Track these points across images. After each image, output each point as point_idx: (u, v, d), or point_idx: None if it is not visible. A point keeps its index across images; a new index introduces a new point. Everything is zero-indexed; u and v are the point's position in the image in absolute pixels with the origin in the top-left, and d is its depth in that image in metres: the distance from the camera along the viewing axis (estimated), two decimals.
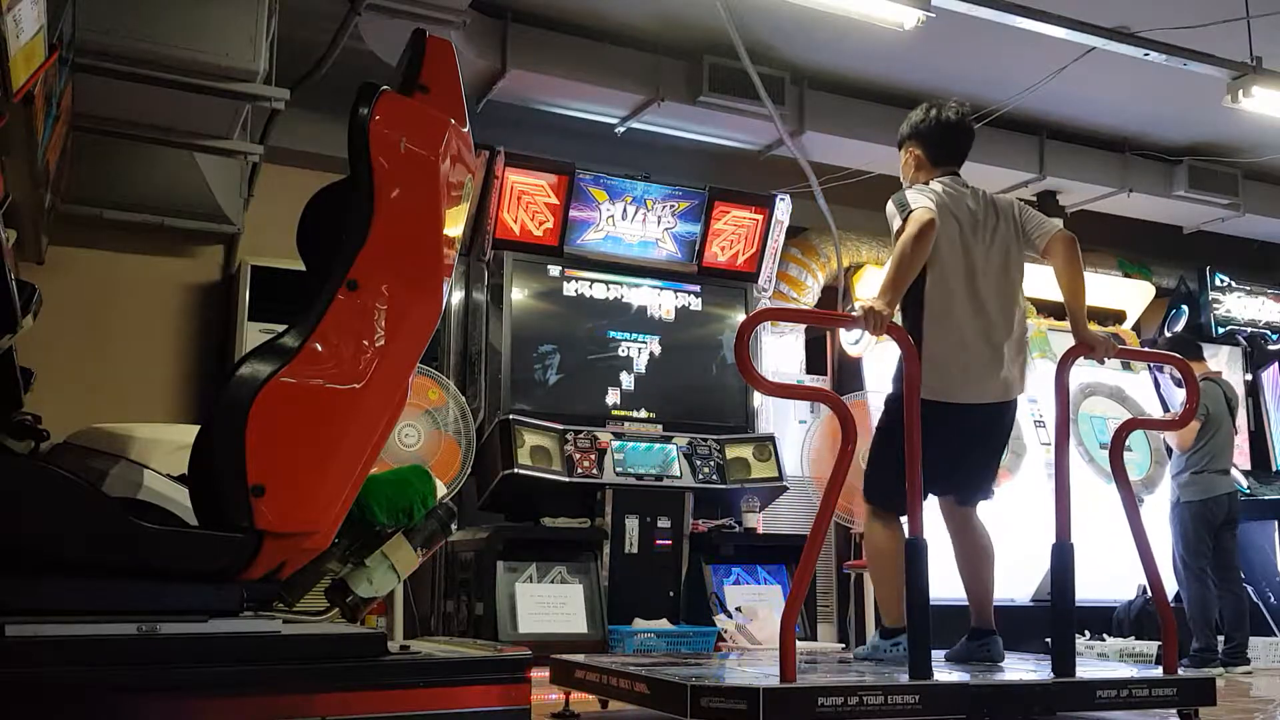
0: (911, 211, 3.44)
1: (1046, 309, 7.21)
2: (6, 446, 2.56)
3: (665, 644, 5.20)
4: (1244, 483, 7.13)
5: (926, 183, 3.71)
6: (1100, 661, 5.43)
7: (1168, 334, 8.00)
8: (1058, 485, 3.38)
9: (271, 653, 2.12)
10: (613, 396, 6.00)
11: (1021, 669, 3.55)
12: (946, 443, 3.40)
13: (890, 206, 3.60)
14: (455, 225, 2.31)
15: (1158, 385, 7.44)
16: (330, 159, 5.46)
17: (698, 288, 6.38)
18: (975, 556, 3.71)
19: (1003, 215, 3.73)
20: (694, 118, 6.47)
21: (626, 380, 6.07)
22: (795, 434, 6.64)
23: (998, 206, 3.75)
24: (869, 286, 6.83)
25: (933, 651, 3.06)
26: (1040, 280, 7.36)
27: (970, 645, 3.65)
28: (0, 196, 3.01)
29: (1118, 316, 7.70)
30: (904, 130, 3.89)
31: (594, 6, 5.94)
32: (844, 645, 6.05)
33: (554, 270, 6.07)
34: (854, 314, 3.34)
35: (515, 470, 5.38)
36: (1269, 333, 8.54)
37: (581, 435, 5.64)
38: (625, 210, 6.19)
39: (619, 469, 5.62)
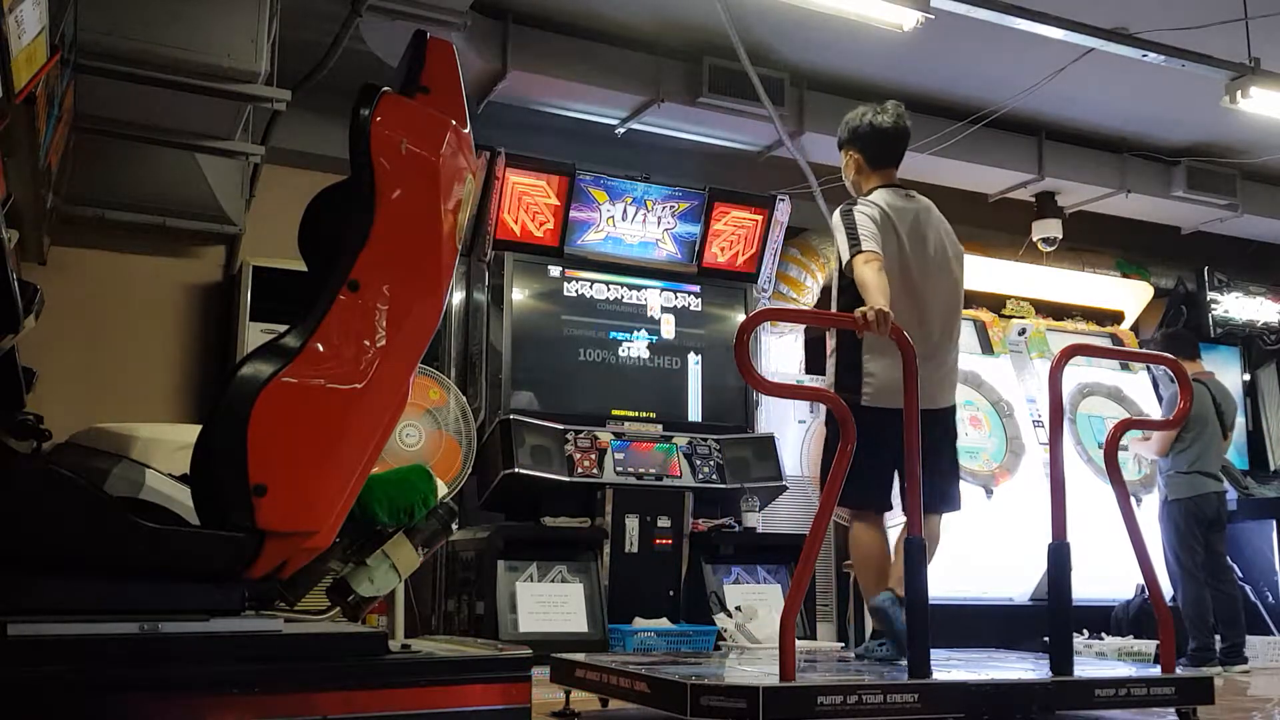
0: (861, 251, 3.55)
1: (1045, 309, 7.22)
2: (9, 446, 2.57)
3: (665, 643, 5.21)
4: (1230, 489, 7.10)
5: (870, 191, 3.82)
6: (1099, 660, 5.44)
7: (1161, 330, 7.97)
8: (1053, 485, 3.39)
9: (273, 652, 2.12)
10: (613, 396, 6.01)
11: (1020, 668, 3.55)
12: (895, 449, 3.36)
13: (839, 227, 3.67)
14: (456, 226, 2.31)
15: (1156, 385, 7.43)
16: (331, 160, 5.47)
17: (698, 288, 6.39)
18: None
19: (938, 228, 3.85)
20: (694, 118, 6.48)
21: (627, 380, 6.08)
22: (795, 434, 6.65)
23: (934, 218, 3.86)
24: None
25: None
26: (1039, 281, 7.43)
27: None
28: (2, 197, 3.02)
29: (1116, 317, 7.70)
30: (842, 134, 4.00)
31: (594, 7, 5.94)
32: (843, 644, 6.05)
33: (554, 270, 6.09)
34: (857, 315, 3.34)
35: (516, 470, 5.39)
36: (1267, 333, 8.53)
37: (581, 435, 5.65)
38: (625, 211, 6.20)
39: (619, 469, 5.63)
